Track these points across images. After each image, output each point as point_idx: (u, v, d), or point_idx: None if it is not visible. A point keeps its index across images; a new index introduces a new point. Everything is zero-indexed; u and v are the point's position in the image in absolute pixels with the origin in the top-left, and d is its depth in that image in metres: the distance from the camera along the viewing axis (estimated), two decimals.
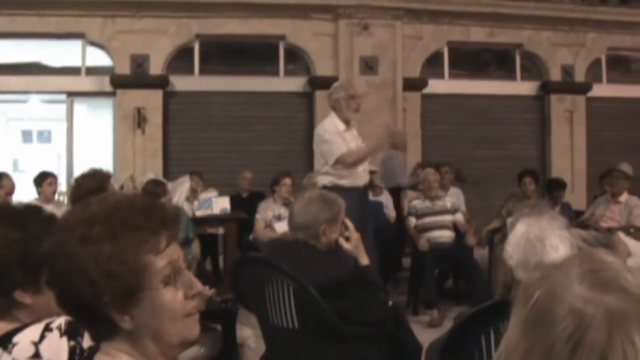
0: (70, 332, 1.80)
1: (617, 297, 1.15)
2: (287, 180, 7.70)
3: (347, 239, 3.29)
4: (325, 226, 3.21)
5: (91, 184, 3.81)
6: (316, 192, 3.35)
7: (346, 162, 5.26)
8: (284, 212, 7.31)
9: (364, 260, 3.33)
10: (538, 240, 2.63)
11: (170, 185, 6.98)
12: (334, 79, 9.12)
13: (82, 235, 1.43)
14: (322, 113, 8.32)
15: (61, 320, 1.82)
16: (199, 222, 7.54)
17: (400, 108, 10.55)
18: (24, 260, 1.83)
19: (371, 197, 7.29)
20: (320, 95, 9.84)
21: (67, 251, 1.42)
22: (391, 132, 5.51)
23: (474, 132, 11.10)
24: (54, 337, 1.80)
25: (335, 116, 5.49)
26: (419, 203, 7.42)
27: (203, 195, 8.00)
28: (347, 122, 5.51)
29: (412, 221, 7.36)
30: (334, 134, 5.35)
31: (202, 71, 10.62)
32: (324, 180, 5.41)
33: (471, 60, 11.26)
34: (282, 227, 7.10)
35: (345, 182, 5.32)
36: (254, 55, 10.60)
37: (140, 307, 1.46)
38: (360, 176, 5.46)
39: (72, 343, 1.79)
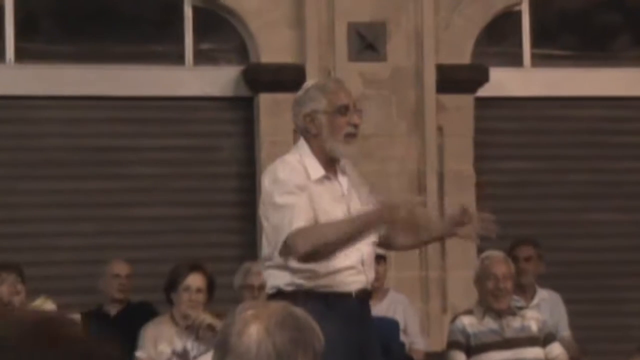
0: None
1: None
2: (198, 279, 6.37)
3: None
4: None
5: None
6: (279, 308, 2.48)
7: (297, 250, 4.26)
8: (191, 343, 6.25)
9: None
10: None
11: None
12: (297, 70, 7.96)
13: None
14: (272, 139, 7.95)
15: None
16: None
17: (431, 127, 8.29)
18: None
19: (375, 308, 5.96)
20: (267, 104, 8.30)
21: None
22: (397, 206, 4.42)
23: (586, 171, 8.75)
24: None
25: (307, 149, 4.50)
26: (473, 323, 6.20)
27: None
28: (330, 162, 4.52)
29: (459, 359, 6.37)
30: (295, 189, 4.36)
31: (21, 56, 8.34)
32: (278, 278, 4.47)
33: (579, 29, 8.91)
34: None
35: (319, 285, 4.42)
36: (129, 23, 8.59)
37: None
38: (352, 272, 4.50)
39: None
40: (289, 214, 4.34)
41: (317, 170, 4.50)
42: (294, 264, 4.42)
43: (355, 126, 4.50)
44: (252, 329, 2.35)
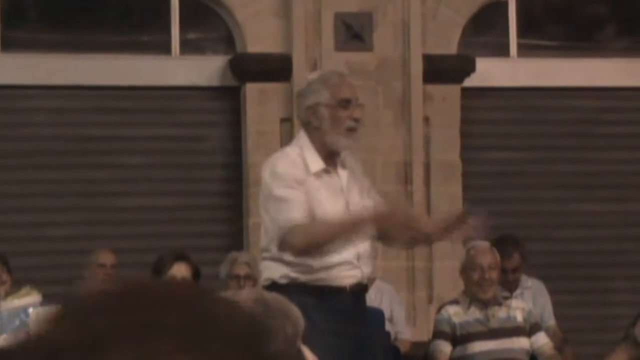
0: None
1: None
2: (182, 269, 6.22)
3: None
4: None
5: None
6: (251, 295, 2.71)
7: (293, 245, 4.34)
8: None
9: None
10: None
11: None
12: (283, 59, 8.10)
13: None
14: (259, 130, 7.94)
15: None
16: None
17: (417, 117, 8.28)
18: None
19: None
20: (254, 94, 8.32)
21: None
22: (393, 214, 4.55)
23: (573, 161, 8.77)
24: None
25: (308, 142, 4.55)
26: (458, 313, 6.20)
27: (10, 304, 5.69)
28: (330, 155, 4.57)
29: (443, 350, 6.18)
30: (293, 184, 4.43)
31: (7, 45, 8.38)
32: (273, 270, 4.54)
33: (565, 19, 8.97)
34: None
35: (313, 279, 4.46)
36: (116, 12, 8.68)
37: None
38: (347, 267, 4.54)
39: None
40: (286, 208, 4.39)
41: (316, 163, 4.56)
42: (289, 257, 4.47)
43: (356, 120, 4.55)
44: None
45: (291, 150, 4.71)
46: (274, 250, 4.58)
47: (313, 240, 4.44)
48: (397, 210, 4.70)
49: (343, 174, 4.61)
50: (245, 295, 2.61)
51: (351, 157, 4.79)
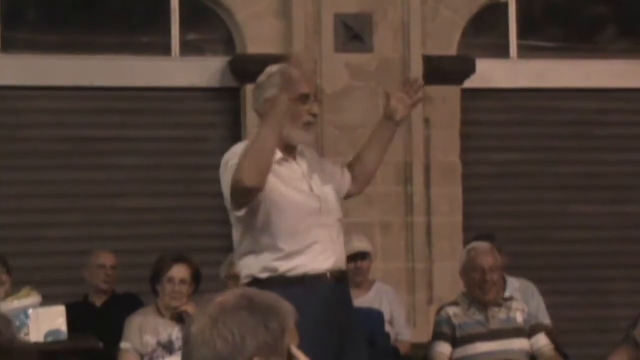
0: None
1: None
2: (182, 270, 6.36)
3: None
4: None
5: None
6: (236, 292, 2.40)
7: (242, 177, 4.17)
8: (176, 334, 6.29)
9: None
10: None
11: None
12: (284, 60, 6.69)
13: None
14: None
15: None
16: None
17: (418, 118, 8.21)
18: None
19: (357, 299, 6.16)
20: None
21: None
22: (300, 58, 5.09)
23: (573, 163, 8.76)
24: None
25: None
26: (458, 314, 6.12)
27: (9, 305, 6.44)
28: (289, 148, 4.50)
29: (443, 351, 6.10)
30: None
31: (6, 46, 8.34)
32: (251, 266, 4.46)
33: (565, 20, 8.96)
34: None
35: (292, 267, 4.38)
36: (116, 13, 8.62)
37: None
38: (321, 248, 4.45)
39: None
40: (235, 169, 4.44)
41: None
42: (262, 240, 4.44)
43: (314, 116, 4.55)
44: (200, 318, 2.35)
45: (246, 142, 4.72)
46: (245, 242, 4.55)
47: (252, 154, 4.39)
48: (292, 60, 4.77)
49: (302, 163, 4.61)
50: (228, 296, 2.52)
51: (310, 150, 4.80)
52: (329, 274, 4.50)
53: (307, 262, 4.48)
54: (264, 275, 4.40)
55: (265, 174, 4.32)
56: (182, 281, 6.33)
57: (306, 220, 4.45)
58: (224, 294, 2.49)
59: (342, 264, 4.60)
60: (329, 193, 4.58)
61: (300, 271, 4.44)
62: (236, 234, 4.55)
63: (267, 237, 4.43)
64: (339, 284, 4.58)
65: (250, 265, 4.48)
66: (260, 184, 4.32)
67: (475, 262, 6.11)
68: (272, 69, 4.69)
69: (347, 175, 4.77)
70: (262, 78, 4.65)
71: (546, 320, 6.83)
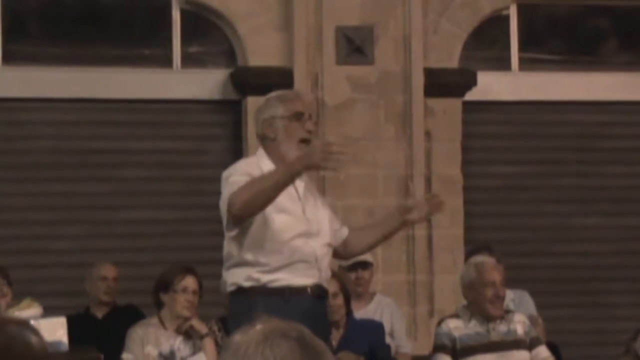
0: None
1: None
2: (189, 282, 6.35)
3: None
4: None
5: None
6: (293, 324, 2.34)
7: (235, 202, 4.34)
8: (182, 348, 6.23)
9: None
10: None
11: None
12: (285, 73, 8.13)
13: None
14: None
15: None
16: None
17: (419, 131, 8.29)
18: None
19: (358, 310, 6.54)
20: (255, 107, 7.07)
21: None
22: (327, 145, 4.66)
23: (574, 175, 8.75)
24: None
25: (264, 154, 4.71)
26: (459, 326, 6.12)
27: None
28: None
29: None
30: (245, 174, 4.51)
31: (8, 58, 8.35)
32: (237, 275, 4.58)
33: (567, 33, 8.96)
34: None
35: (274, 279, 4.52)
36: (117, 25, 8.64)
37: None
38: (305, 266, 4.59)
39: None
40: (233, 188, 4.51)
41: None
42: (249, 256, 4.56)
43: (310, 132, 4.69)
44: (253, 331, 2.35)
45: (251, 159, 4.87)
46: (235, 255, 4.67)
47: (252, 190, 4.51)
48: (314, 145, 4.81)
49: (299, 185, 4.72)
50: (285, 323, 2.53)
51: (310, 184, 4.92)
52: (309, 289, 4.64)
53: (290, 277, 4.62)
54: (248, 284, 4.52)
55: (256, 212, 4.48)
56: (194, 292, 6.38)
57: (294, 240, 4.60)
58: (283, 321, 2.57)
59: (324, 282, 4.72)
60: (322, 218, 4.74)
61: (281, 283, 4.58)
62: (226, 247, 4.68)
63: (254, 253, 4.57)
64: (318, 300, 4.72)
65: (235, 274, 4.60)
66: (249, 217, 4.50)
67: (485, 277, 6.15)
68: (271, 94, 4.93)
69: (344, 230, 4.92)
70: (261, 103, 4.86)
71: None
